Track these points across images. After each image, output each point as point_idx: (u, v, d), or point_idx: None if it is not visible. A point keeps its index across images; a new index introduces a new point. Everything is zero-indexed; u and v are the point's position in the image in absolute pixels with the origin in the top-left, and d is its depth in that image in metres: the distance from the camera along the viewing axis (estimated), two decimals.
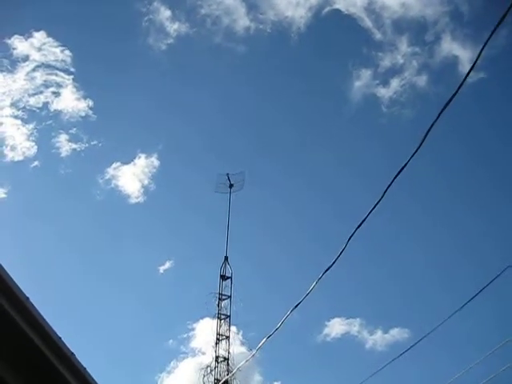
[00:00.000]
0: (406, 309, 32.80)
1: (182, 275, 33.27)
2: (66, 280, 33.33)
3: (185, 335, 32.46)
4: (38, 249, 34.76)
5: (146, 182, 33.40)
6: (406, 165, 5.96)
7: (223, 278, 20.59)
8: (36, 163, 33.14)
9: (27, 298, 6.38)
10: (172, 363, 31.26)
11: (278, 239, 34.33)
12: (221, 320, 19.82)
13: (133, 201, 33.24)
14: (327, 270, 7.62)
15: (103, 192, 34.06)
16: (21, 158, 32.29)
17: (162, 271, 32.27)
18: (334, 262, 7.42)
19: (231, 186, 22.13)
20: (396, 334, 30.59)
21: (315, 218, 35.05)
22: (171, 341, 31.35)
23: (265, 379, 29.67)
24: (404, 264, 33.19)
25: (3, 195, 32.04)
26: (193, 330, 26.88)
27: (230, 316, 19.92)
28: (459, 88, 5.33)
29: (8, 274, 6.09)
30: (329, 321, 31.74)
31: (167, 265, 32.25)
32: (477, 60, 5.22)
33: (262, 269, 33.66)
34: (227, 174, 22.38)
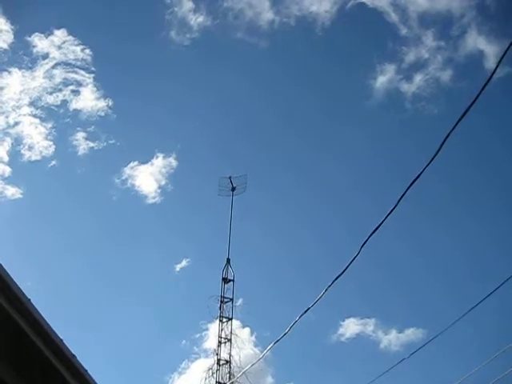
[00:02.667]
0: (422, 309, 32.64)
1: (198, 273, 32.91)
2: (81, 280, 33.40)
3: (197, 335, 31.16)
4: (52, 249, 34.72)
5: (163, 182, 33.11)
6: (420, 174, 5.99)
7: (225, 280, 20.58)
8: (53, 163, 32.97)
9: (29, 300, 6.33)
10: (183, 364, 30.80)
11: (280, 242, 34.32)
12: (223, 323, 19.82)
13: (149, 201, 32.98)
14: (338, 277, 7.63)
15: (119, 192, 33.81)
16: (38, 157, 32.13)
17: (178, 269, 32.03)
18: (345, 269, 7.43)
19: (233, 188, 22.15)
20: (411, 333, 30.51)
21: (318, 220, 35.01)
22: (184, 341, 31.11)
23: (277, 381, 29.57)
24: (420, 265, 33.14)
25: (19, 195, 31.89)
26: (206, 330, 26.58)
27: (231, 319, 19.92)
28: (476, 99, 5.37)
29: (9, 275, 6.04)
30: (343, 321, 31.53)
31: (184, 263, 31.93)
32: (497, 67, 5.26)
33: (264, 271, 33.59)
34: (229, 177, 22.40)
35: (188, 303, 34.03)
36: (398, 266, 33.72)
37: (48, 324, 6.68)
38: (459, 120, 5.72)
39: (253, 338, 26.33)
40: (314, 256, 34.17)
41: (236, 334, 19.57)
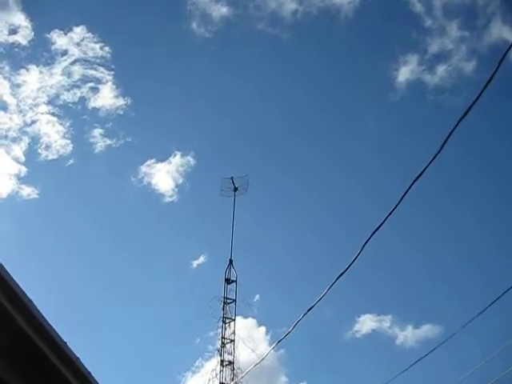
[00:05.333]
0: (439, 305, 32.26)
1: (215, 270, 32.45)
2: (99, 278, 33.30)
3: (212, 333, 31.63)
4: (67, 248, 34.36)
5: (180, 180, 32.74)
6: (422, 172, 6.03)
7: (228, 281, 20.60)
8: (71, 162, 32.58)
9: (31, 301, 6.34)
10: (197, 362, 29.95)
11: (282, 242, 34.22)
12: (225, 323, 19.83)
13: (167, 200, 32.60)
14: (340, 276, 7.67)
15: (136, 190, 33.47)
16: (55, 156, 31.74)
17: (195, 266, 31.28)
18: (347, 268, 7.45)
19: (236, 189, 22.18)
20: (427, 330, 30.21)
21: (320, 220, 34.87)
22: (198, 339, 30.71)
23: (291, 380, 29.33)
24: (436, 261, 32.89)
25: (35, 195, 31.59)
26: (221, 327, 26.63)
27: (234, 320, 19.94)
28: (476, 99, 5.42)
29: (11, 277, 6.04)
30: (359, 317, 31.29)
31: (201, 259, 31.10)
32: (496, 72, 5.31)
33: (267, 271, 33.44)
34: (231, 178, 22.39)
35: (204, 300, 33.80)
36: (416, 264, 33.52)
37: (51, 326, 6.68)
38: (462, 118, 5.76)
39: (268, 337, 26.31)
40: (316, 255, 34.12)
41: (239, 335, 19.57)
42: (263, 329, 25.06)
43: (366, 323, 30.68)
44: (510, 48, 5.15)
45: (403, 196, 5.95)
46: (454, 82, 32.08)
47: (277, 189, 34.01)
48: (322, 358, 31.26)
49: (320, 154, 33.92)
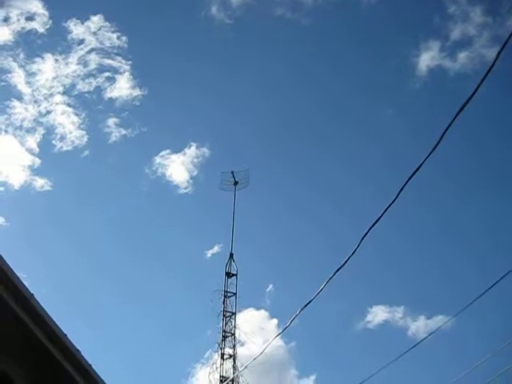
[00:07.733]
0: (451, 297, 31.38)
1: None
2: (112, 268, 33.42)
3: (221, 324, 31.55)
4: (79, 241, 33.62)
5: (195, 172, 31.94)
6: (419, 167, 5.97)
7: (228, 275, 20.63)
8: (86, 153, 31.86)
9: (32, 295, 6.37)
10: (207, 354, 30.29)
11: (282, 236, 34.09)
12: (226, 317, 19.82)
13: (181, 191, 31.88)
14: (338, 270, 7.64)
15: (150, 181, 32.92)
16: (70, 148, 31.00)
17: (209, 255, 30.17)
18: (345, 262, 7.43)
19: (236, 183, 22.20)
20: (440, 321, 30.21)
21: (320, 214, 34.74)
22: (210, 331, 30.65)
23: (301, 373, 29.14)
24: (448, 254, 32.79)
25: (48, 187, 30.87)
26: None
27: (235, 313, 19.95)
28: (472, 95, 5.34)
29: (13, 271, 6.06)
30: (371, 307, 30.72)
31: (215, 249, 29.79)
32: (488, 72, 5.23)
33: (278, 264, 33.40)
34: (232, 172, 22.43)
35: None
36: (428, 257, 33.32)
37: (51, 318, 6.72)
38: (459, 112, 5.69)
39: (279, 329, 26.17)
40: (316, 249, 34.01)
41: (240, 328, 19.57)
42: (275, 321, 24.95)
43: (378, 314, 30.62)
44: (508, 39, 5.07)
45: (399, 192, 5.89)
46: (476, 68, 31.64)
47: (280, 183, 33.86)
48: (333, 349, 31.23)
49: (326, 147, 33.76)
